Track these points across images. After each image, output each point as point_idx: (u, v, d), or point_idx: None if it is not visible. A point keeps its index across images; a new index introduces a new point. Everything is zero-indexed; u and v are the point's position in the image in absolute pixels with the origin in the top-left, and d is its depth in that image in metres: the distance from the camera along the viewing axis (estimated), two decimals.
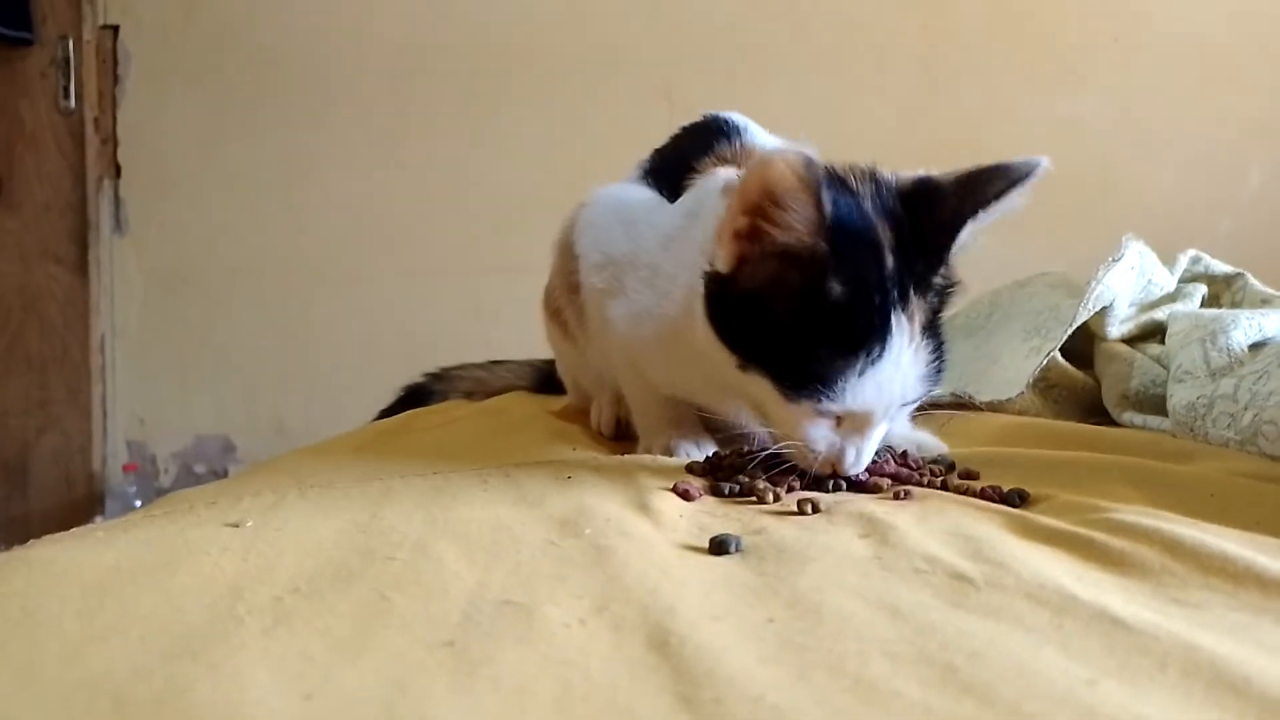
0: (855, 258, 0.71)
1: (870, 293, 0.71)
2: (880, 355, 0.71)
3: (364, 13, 2.32)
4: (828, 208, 0.69)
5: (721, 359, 0.76)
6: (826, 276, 0.70)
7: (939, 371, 0.76)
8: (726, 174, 0.89)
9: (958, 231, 0.74)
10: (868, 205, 0.74)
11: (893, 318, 0.71)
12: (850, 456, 0.75)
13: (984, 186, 0.74)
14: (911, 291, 0.73)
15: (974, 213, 0.74)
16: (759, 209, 0.70)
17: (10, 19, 2.24)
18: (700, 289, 0.77)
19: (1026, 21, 2.21)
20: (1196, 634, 0.44)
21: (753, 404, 0.79)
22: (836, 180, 0.75)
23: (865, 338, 0.71)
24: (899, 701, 0.38)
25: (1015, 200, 0.74)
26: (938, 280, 0.76)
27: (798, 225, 0.69)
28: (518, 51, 2.29)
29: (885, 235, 0.73)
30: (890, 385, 0.72)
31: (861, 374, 0.71)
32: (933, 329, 0.76)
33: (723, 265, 0.74)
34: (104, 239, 2.36)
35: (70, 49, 2.31)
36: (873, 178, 0.77)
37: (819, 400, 0.71)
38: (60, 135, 2.34)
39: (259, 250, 2.37)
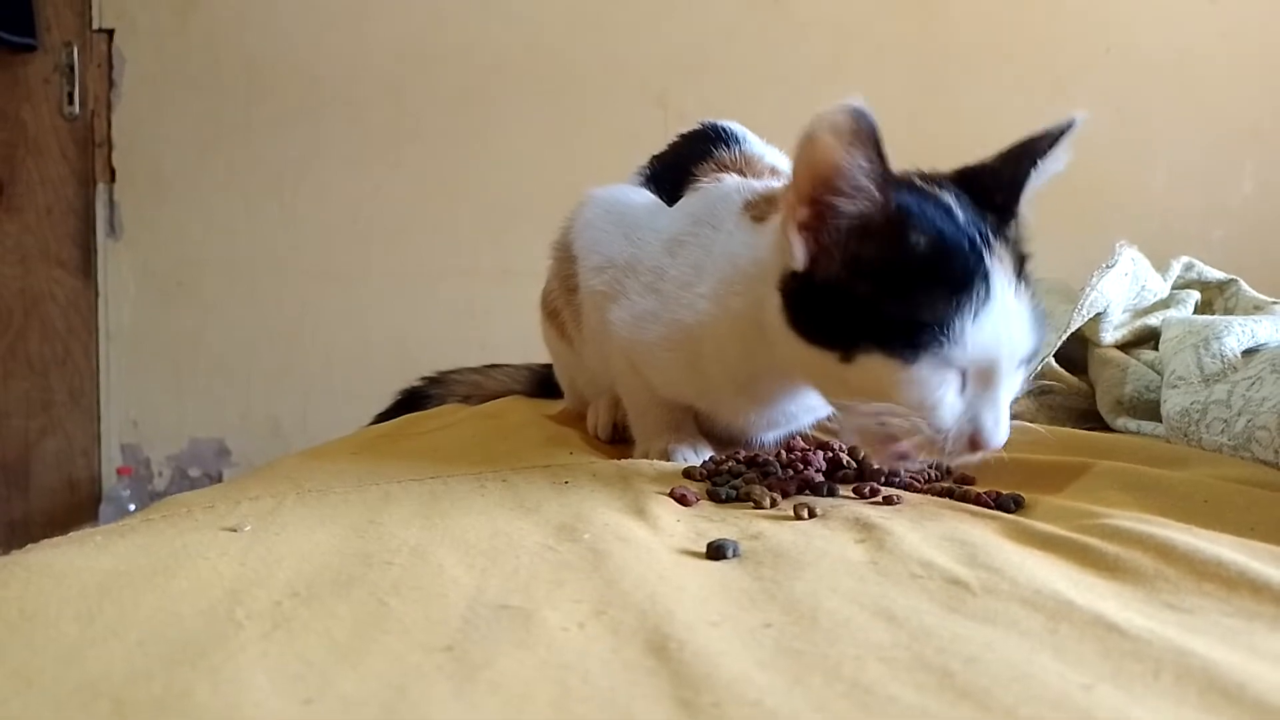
0: (927, 214, 0.69)
1: (958, 238, 0.68)
2: (988, 295, 0.67)
3: (359, 17, 2.32)
4: (890, 159, 0.67)
5: (816, 361, 0.72)
6: (908, 231, 0.68)
7: (1043, 323, 0.72)
8: (733, 181, 0.90)
9: (1025, 181, 0.73)
10: (918, 181, 0.74)
11: (987, 258, 0.68)
12: (989, 421, 0.69)
13: (1034, 144, 0.74)
14: (993, 237, 0.70)
15: (1034, 162, 0.73)
16: (817, 190, 0.69)
17: (14, 25, 2.24)
18: (774, 299, 0.74)
19: (1021, 32, 2.22)
20: (1190, 639, 0.44)
21: (868, 396, 0.71)
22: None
23: (968, 279, 0.67)
24: (895, 706, 0.38)
25: (1061, 156, 0.74)
26: (1015, 230, 0.73)
27: (865, 183, 0.67)
28: (513, 57, 2.29)
29: (948, 193, 0.72)
30: (1008, 328, 0.68)
31: (976, 316, 0.67)
32: (1026, 280, 0.72)
33: (798, 262, 0.71)
34: (98, 242, 2.36)
35: (74, 55, 2.31)
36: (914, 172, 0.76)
37: (940, 346, 0.66)
38: (64, 140, 2.34)
39: (253, 253, 2.37)
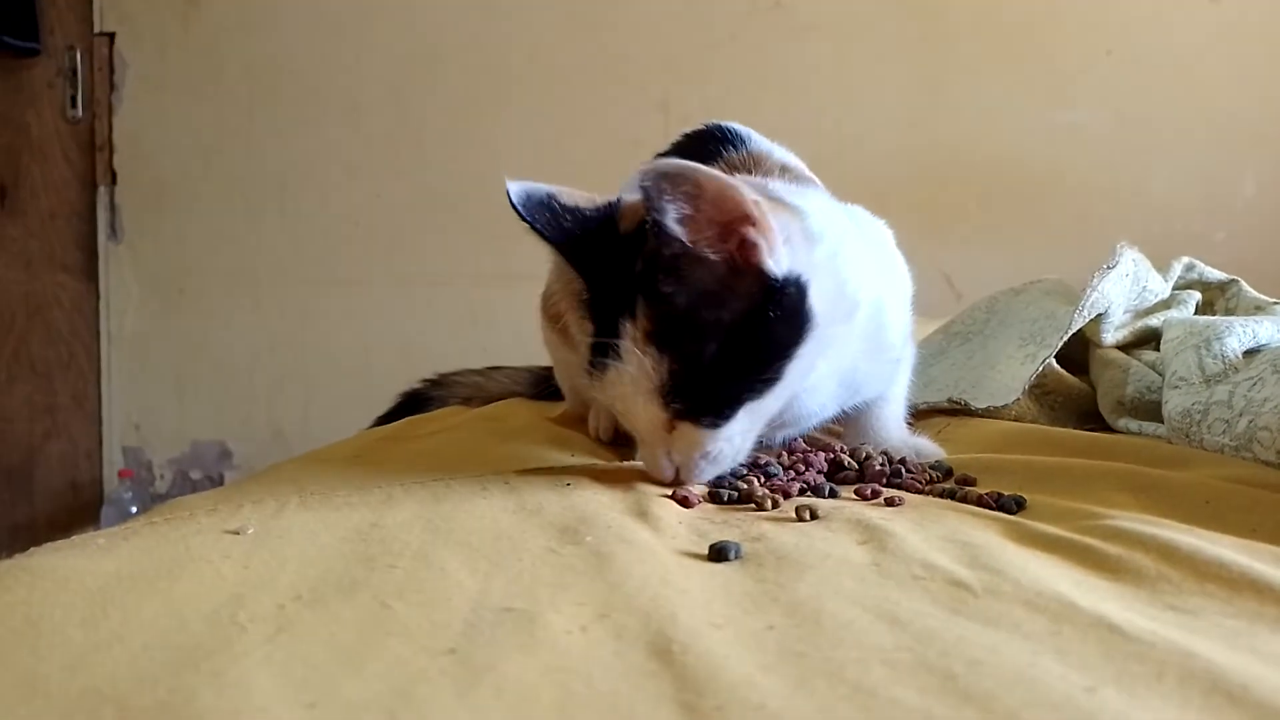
0: (605, 264, 0.76)
1: (604, 292, 0.76)
2: (612, 354, 0.73)
3: (361, 21, 2.32)
4: (536, 224, 0.76)
5: None
6: (583, 278, 0.78)
7: (703, 398, 0.73)
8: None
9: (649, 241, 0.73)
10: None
11: (620, 317, 0.73)
12: (639, 452, 0.80)
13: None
14: (640, 296, 0.73)
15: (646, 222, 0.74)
16: None
17: (17, 29, 2.25)
18: None
19: (1022, 34, 2.22)
20: (1193, 641, 0.44)
21: None
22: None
23: (603, 334, 0.75)
24: (898, 709, 0.38)
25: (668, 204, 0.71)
26: (668, 289, 0.72)
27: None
28: (514, 62, 2.29)
29: (647, 245, 0.73)
30: (616, 384, 0.75)
31: (600, 369, 0.75)
32: (683, 346, 0.72)
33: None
34: (100, 246, 2.36)
35: (78, 59, 2.32)
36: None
37: (589, 384, 0.77)
38: (66, 144, 2.35)
39: (255, 257, 2.37)
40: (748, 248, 0.71)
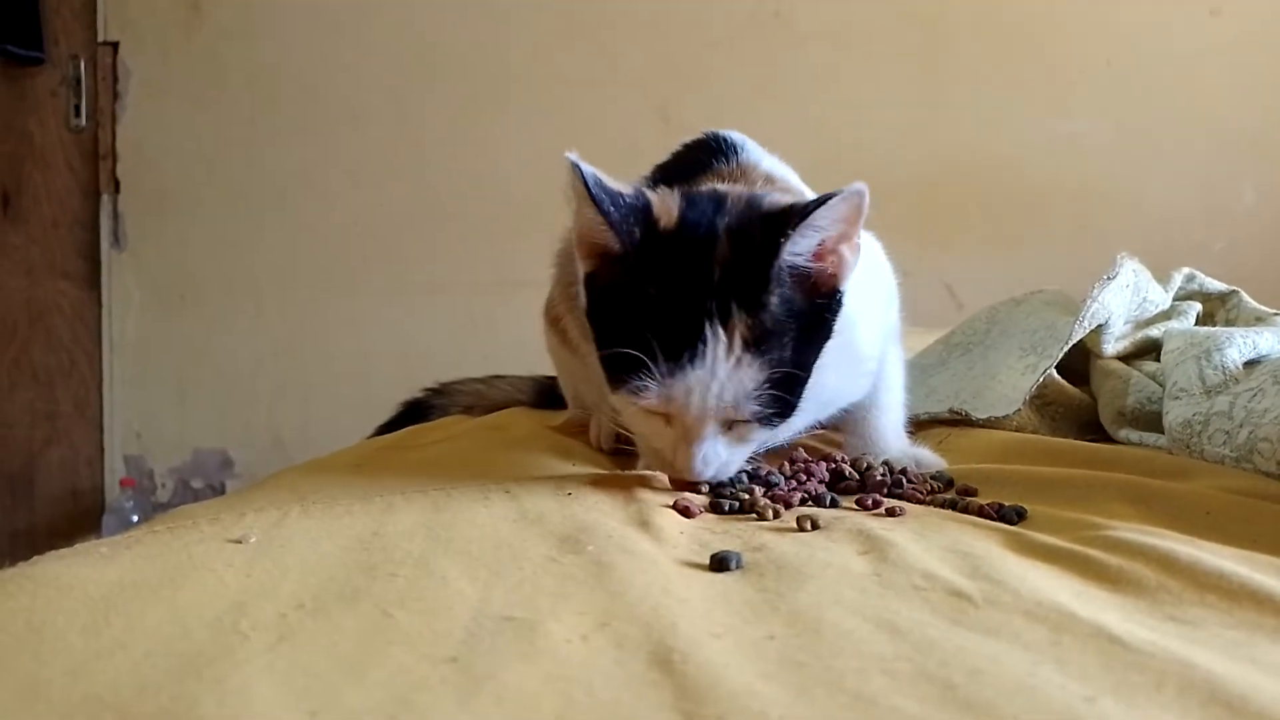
0: (678, 265, 0.75)
1: (685, 297, 0.74)
2: (690, 358, 0.73)
3: (362, 29, 2.33)
4: (666, 222, 0.76)
5: (594, 352, 0.81)
6: (644, 278, 0.75)
7: (784, 401, 0.76)
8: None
9: (776, 250, 0.74)
10: (721, 223, 0.77)
11: (706, 325, 0.73)
12: (679, 457, 0.77)
13: (801, 209, 0.75)
14: (735, 305, 0.74)
15: (784, 233, 0.74)
16: (581, 235, 0.78)
17: (22, 39, 2.26)
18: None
19: (1022, 43, 2.23)
20: (1192, 651, 0.44)
21: (605, 397, 0.82)
22: (709, 199, 0.80)
23: (675, 338, 0.73)
24: (898, 718, 0.39)
25: (826, 219, 0.74)
26: (773, 300, 0.74)
27: (601, 232, 0.76)
28: (515, 68, 2.30)
29: (723, 251, 0.75)
30: (700, 391, 0.73)
31: (670, 373, 0.73)
32: (772, 353, 0.74)
33: (584, 267, 0.81)
34: (102, 253, 2.37)
35: (81, 68, 2.33)
36: (749, 201, 0.80)
37: (631, 394, 0.75)
38: (70, 152, 2.36)
39: (256, 265, 2.37)
40: (840, 263, 0.77)
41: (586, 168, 0.75)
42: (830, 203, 0.73)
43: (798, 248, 0.74)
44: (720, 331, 0.73)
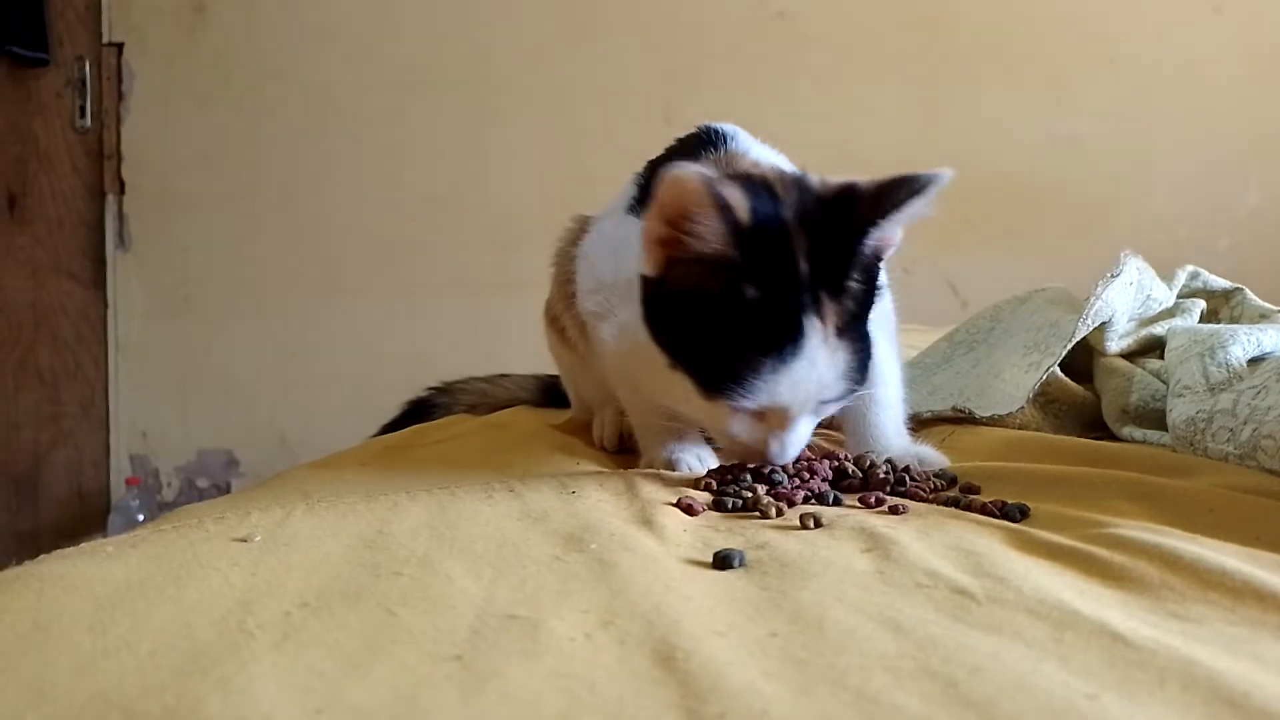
0: (768, 263, 0.74)
1: (782, 295, 0.74)
2: (794, 354, 0.74)
3: (366, 32, 2.34)
4: (742, 217, 0.73)
5: (655, 359, 0.80)
6: (740, 281, 0.74)
7: (861, 369, 0.79)
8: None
9: (863, 237, 0.76)
10: (788, 212, 0.77)
11: (804, 319, 0.74)
12: (774, 447, 0.78)
13: (889, 194, 0.76)
14: (824, 294, 0.75)
15: (874, 220, 0.76)
16: (675, 221, 0.74)
17: (27, 40, 2.27)
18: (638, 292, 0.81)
19: (1025, 44, 2.23)
20: (1195, 649, 0.44)
21: (680, 402, 0.82)
22: (761, 187, 0.78)
23: (778, 337, 0.74)
24: (900, 716, 0.39)
25: (918, 208, 0.76)
26: (854, 283, 0.77)
27: (709, 236, 0.73)
28: (518, 71, 2.30)
29: (800, 241, 0.75)
30: (805, 383, 0.75)
31: (775, 372, 0.74)
32: (853, 330, 0.78)
33: (650, 269, 0.79)
34: (108, 254, 2.38)
35: (86, 70, 2.34)
36: (799, 184, 0.80)
37: (734, 399, 0.75)
38: (75, 153, 2.37)
39: (261, 265, 2.38)
40: (892, 239, 0.79)
41: (700, 172, 0.73)
42: (925, 193, 0.74)
43: (882, 232, 0.76)
44: (816, 322, 0.74)
